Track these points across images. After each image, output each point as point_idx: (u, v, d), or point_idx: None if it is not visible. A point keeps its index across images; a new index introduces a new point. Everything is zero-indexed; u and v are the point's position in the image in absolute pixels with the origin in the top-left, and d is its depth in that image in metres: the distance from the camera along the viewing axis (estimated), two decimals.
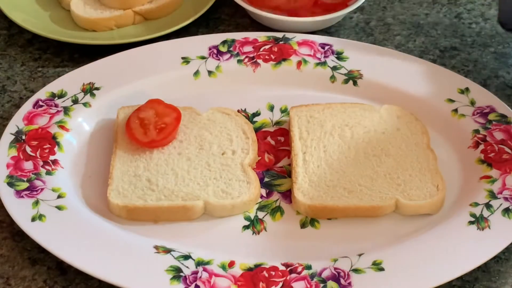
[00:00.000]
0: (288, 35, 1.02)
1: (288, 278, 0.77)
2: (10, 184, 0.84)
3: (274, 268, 0.78)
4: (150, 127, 0.90)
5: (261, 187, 0.87)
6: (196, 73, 0.98)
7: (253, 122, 0.94)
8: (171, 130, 0.89)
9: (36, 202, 0.83)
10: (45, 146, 0.89)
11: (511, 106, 0.93)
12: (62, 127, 0.91)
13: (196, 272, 0.77)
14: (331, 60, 1.00)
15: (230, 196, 0.84)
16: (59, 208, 0.83)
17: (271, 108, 0.96)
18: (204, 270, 0.78)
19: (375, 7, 1.15)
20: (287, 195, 0.87)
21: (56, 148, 0.89)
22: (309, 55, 1.00)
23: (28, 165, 0.86)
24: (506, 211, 0.82)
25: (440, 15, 1.13)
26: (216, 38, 1.02)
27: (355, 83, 0.98)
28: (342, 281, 0.76)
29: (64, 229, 0.81)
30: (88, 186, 0.87)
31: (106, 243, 0.80)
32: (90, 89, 0.96)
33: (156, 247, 0.80)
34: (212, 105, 0.94)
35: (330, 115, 0.93)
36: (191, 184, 0.85)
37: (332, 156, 0.88)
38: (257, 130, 0.93)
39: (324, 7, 1.09)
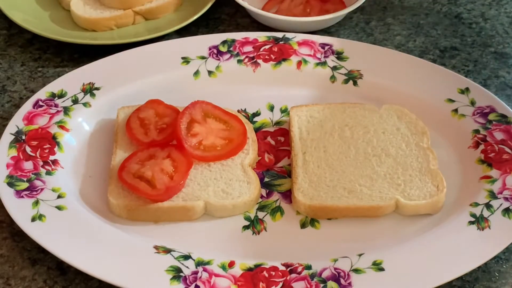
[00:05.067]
0: (288, 35, 1.02)
1: (288, 278, 0.77)
2: (10, 184, 0.84)
3: (274, 268, 0.78)
4: (150, 127, 0.90)
5: (261, 187, 0.87)
6: (196, 73, 0.98)
7: (253, 122, 0.94)
8: (172, 131, 0.89)
9: (36, 202, 0.83)
10: (45, 146, 0.89)
11: (511, 106, 0.93)
12: (62, 127, 0.91)
13: (196, 272, 0.77)
14: (331, 60, 1.00)
15: (230, 196, 0.84)
16: (59, 208, 0.83)
17: (271, 108, 0.96)
18: (204, 270, 0.78)
19: (375, 7, 1.15)
20: (287, 195, 0.87)
21: (56, 148, 0.89)
22: (309, 55, 1.00)
23: (28, 165, 0.86)
24: (506, 211, 0.82)
25: (440, 15, 1.13)
26: (216, 38, 1.02)
27: (355, 83, 0.98)
28: (342, 281, 0.76)
29: (64, 229, 0.81)
30: (88, 186, 0.87)
31: (106, 243, 0.80)
32: (90, 89, 0.96)
33: (156, 247, 0.80)
34: None
35: (330, 115, 0.93)
36: (191, 184, 0.85)
37: (332, 156, 0.88)
38: (257, 130, 0.93)
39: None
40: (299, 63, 1.00)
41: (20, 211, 0.82)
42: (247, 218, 0.85)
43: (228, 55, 1.00)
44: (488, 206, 0.83)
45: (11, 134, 0.90)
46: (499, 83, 1.02)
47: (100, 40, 1.06)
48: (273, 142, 0.93)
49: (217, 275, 0.77)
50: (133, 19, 1.09)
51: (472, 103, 0.94)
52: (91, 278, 0.79)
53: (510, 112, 0.92)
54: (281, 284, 0.77)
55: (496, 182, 0.85)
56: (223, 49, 1.01)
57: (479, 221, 0.81)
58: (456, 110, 0.93)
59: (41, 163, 0.87)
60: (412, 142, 0.90)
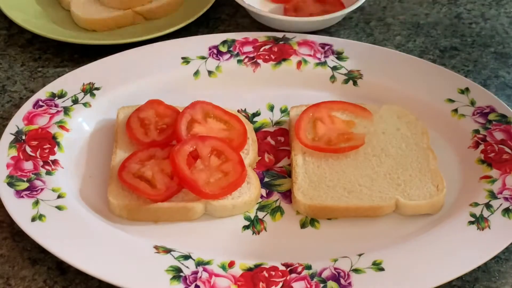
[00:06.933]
0: (288, 35, 1.02)
1: (288, 278, 0.77)
2: (10, 184, 0.84)
3: (274, 268, 0.78)
4: (150, 127, 0.90)
5: (261, 187, 0.87)
6: (196, 73, 0.98)
7: (253, 122, 0.94)
8: (172, 131, 0.89)
9: (36, 202, 0.83)
10: (45, 146, 0.89)
11: (511, 106, 0.93)
12: (62, 127, 0.91)
13: (196, 272, 0.77)
14: (331, 60, 1.00)
15: (230, 196, 0.84)
16: (59, 208, 0.83)
17: (271, 108, 0.96)
18: (204, 270, 0.78)
19: (375, 7, 1.15)
20: (287, 195, 0.87)
21: (56, 148, 0.89)
22: (309, 55, 1.00)
23: (28, 165, 0.86)
24: (506, 211, 0.82)
25: (440, 15, 1.13)
26: (216, 38, 1.02)
27: (355, 83, 0.98)
28: (342, 281, 0.77)
29: (64, 229, 0.81)
30: (88, 186, 0.87)
31: (106, 243, 0.80)
32: (90, 89, 0.96)
33: (156, 247, 0.80)
34: None
35: None
36: None
37: (332, 156, 0.88)
38: (257, 130, 0.93)
39: None
40: (299, 63, 1.00)
41: (20, 211, 0.82)
42: (247, 218, 0.85)
43: (228, 55, 1.00)
44: (488, 206, 0.83)
45: (11, 134, 0.90)
46: (499, 83, 1.02)
47: (100, 40, 1.06)
48: (273, 142, 0.93)
49: (217, 275, 0.77)
50: (133, 19, 1.09)
51: (472, 103, 0.94)
52: (91, 278, 0.79)
53: (510, 112, 0.92)
54: (281, 284, 0.77)
55: (496, 182, 0.85)
56: (223, 49, 1.01)
57: (479, 221, 0.81)
58: (456, 110, 0.93)
59: (41, 163, 0.87)
60: (412, 142, 0.90)
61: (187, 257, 0.79)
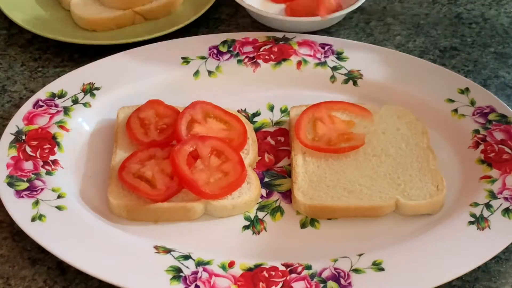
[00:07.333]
0: (288, 35, 1.02)
1: (288, 278, 0.77)
2: (10, 184, 0.84)
3: (274, 268, 0.78)
4: (150, 127, 0.90)
5: (261, 187, 0.87)
6: (196, 73, 0.98)
7: (253, 122, 0.94)
8: (172, 131, 0.89)
9: (36, 202, 0.83)
10: (45, 146, 0.89)
11: (511, 106, 0.93)
12: (62, 127, 0.91)
13: (196, 272, 0.77)
14: (331, 60, 1.00)
15: (230, 196, 0.84)
16: (59, 208, 0.83)
17: (271, 108, 0.96)
18: (204, 270, 0.78)
19: (375, 7, 1.15)
20: (287, 195, 0.87)
21: (56, 148, 0.89)
22: (309, 55, 1.00)
23: (28, 165, 0.86)
24: (506, 211, 0.82)
25: (440, 15, 1.13)
26: (216, 38, 1.02)
27: (355, 83, 0.98)
28: (342, 281, 0.77)
29: (64, 229, 0.81)
30: (88, 186, 0.87)
31: (106, 243, 0.80)
32: (90, 89, 0.96)
33: (156, 247, 0.80)
34: None
35: None
36: None
37: (332, 156, 0.88)
38: (257, 130, 0.93)
39: None
40: (299, 63, 1.00)
41: (20, 211, 0.82)
42: (247, 218, 0.85)
43: (228, 55, 1.00)
44: (488, 206, 0.83)
45: (11, 134, 0.90)
46: (499, 83, 1.02)
47: (100, 40, 1.06)
48: (273, 142, 0.93)
49: (217, 275, 0.77)
50: (133, 19, 1.09)
51: (472, 103, 0.94)
52: (91, 278, 0.79)
53: (510, 112, 0.92)
54: (281, 284, 0.77)
55: (496, 182, 0.85)
56: (223, 49, 1.01)
57: (479, 221, 0.81)
58: (456, 110, 0.93)
59: (41, 163, 0.87)
60: (412, 142, 0.90)
61: (187, 257, 0.79)
